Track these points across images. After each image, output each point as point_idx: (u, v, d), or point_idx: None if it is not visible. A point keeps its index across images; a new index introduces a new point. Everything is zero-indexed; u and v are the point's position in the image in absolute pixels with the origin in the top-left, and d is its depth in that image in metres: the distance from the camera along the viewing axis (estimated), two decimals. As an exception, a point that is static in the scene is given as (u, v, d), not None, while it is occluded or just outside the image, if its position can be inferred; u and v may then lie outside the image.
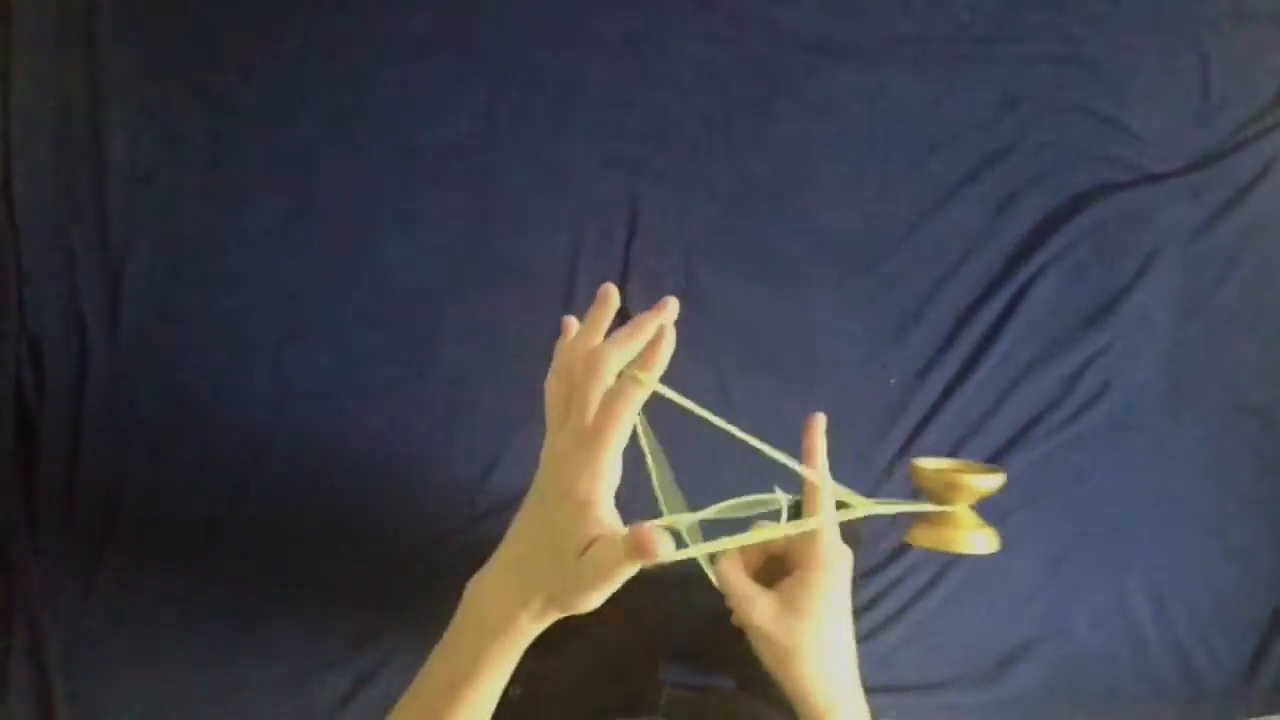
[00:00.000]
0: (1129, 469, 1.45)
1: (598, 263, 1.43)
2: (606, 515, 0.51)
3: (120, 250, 1.39)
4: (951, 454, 1.42)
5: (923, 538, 0.60)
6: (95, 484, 1.35)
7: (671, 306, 0.56)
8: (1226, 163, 1.50)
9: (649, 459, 0.59)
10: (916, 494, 0.62)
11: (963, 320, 1.45)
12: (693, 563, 0.58)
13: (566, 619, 0.55)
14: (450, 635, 0.57)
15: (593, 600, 0.52)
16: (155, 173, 1.41)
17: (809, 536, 0.59)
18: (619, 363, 0.54)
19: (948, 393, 1.43)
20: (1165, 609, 1.43)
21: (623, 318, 1.50)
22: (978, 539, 0.59)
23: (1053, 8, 1.51)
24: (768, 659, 0.59)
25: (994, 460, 1.42)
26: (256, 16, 1.43)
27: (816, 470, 0.60)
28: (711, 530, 0.58)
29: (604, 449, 0.51)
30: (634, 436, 0.55)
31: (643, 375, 0.52)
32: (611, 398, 0.52)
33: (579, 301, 1.41)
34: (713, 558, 0.60)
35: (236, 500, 1.35)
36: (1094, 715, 1.42)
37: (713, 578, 0.60)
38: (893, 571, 1.39)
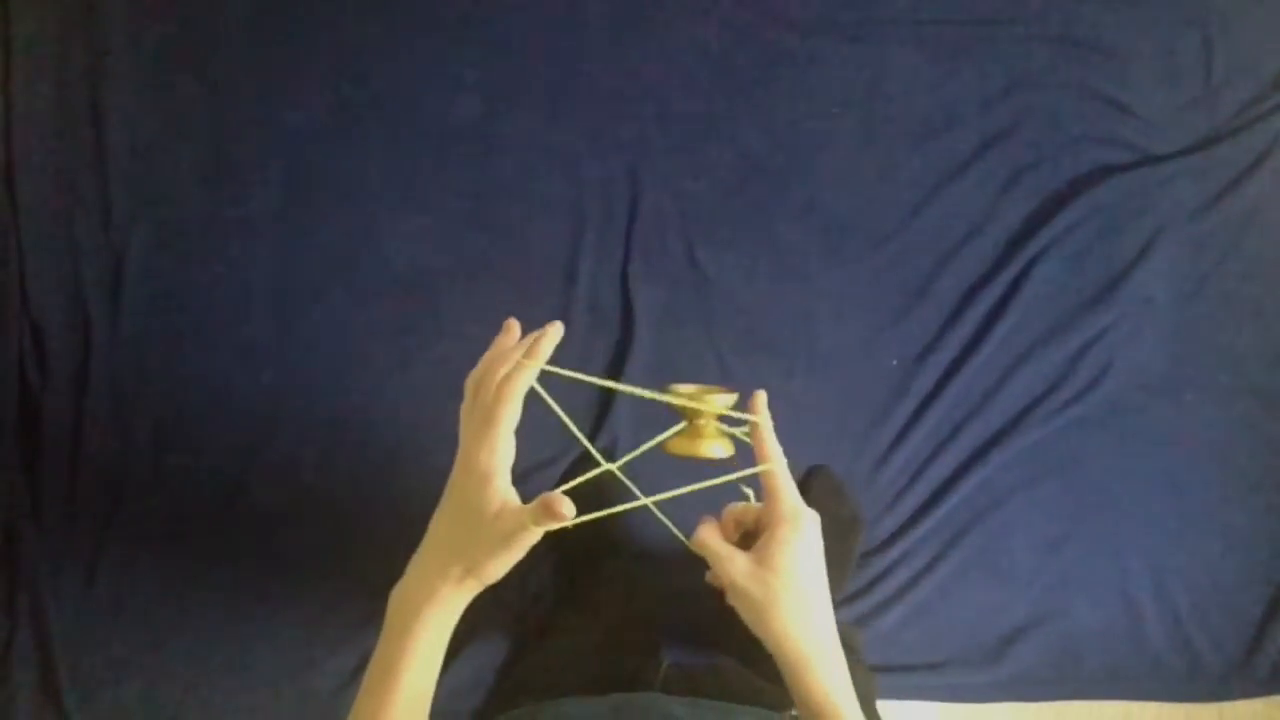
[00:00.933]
0: (1130, 451, 1.45)
1: (598, 245, 1.43)
2: (504, 486, 0.61)
3: (121, 235, 1.39)
4: (953, 436, 1.42)
5: (675, 446, 0.68)
6: (98, 470, 1.35)
7: (556, 327, 0.67)
8: (1229, 144, 1.49)
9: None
10: (674, 417, 0.69)
11: (964, 302, 1.44)
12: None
13: (568, 600, 0.59)
14: (382, 632, 0.64)
15: (504, 565, 0.61)
16: (156, 157, 1.41)
17: (770, 499, 0.66)
18: (508, 360, 0.64)
19: (949, 374, 1.43)
20: (1165, 590, 1.43)
21: (625, 305, 1.51)
22: (715, 446, 0.67)
23: (1054, -12, 1.50)
24: (746, 615, 0.64)
25: (993, 442, 1.42)
26: (255, 3, 1.43)
27: (761, 421, 0.68)
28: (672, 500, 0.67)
29: (497, 425, 0.60)
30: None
31: (525, 360, 0.62)
32: (502, 383, 0.62)
33: (580, 285, 1.41)
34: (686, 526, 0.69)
35: (239, 485, 1.36)
36: (1094, 696, 1.43)
37: (688, 543, 0.67)
38: (893, 553, 1.39)
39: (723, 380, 1.39)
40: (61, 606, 1.31)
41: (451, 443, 1.42)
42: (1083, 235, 1.46)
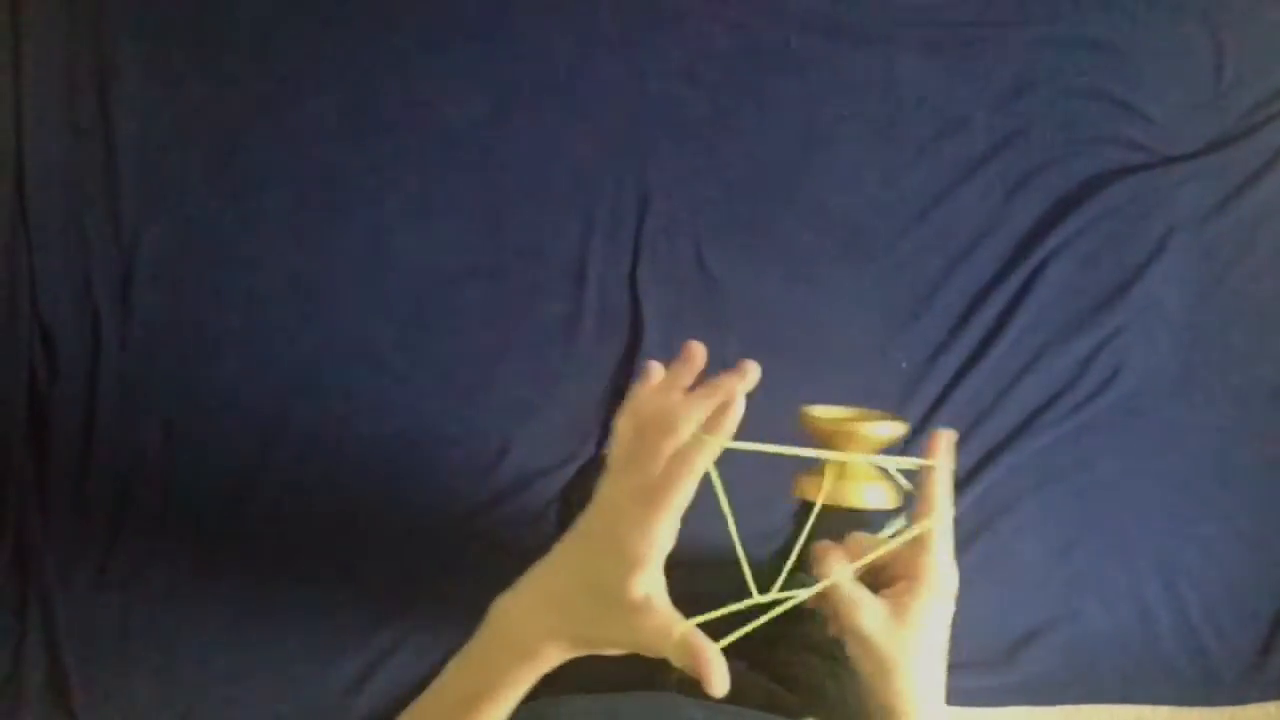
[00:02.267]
0: (1141, 453, 1.44)
1: (608, 248, 1.42)
2: (653, 580, 0.51)
3: (132, 237, 1.39)
4: (963, 439, 1.41)
5: (810, 491, 0.56)
6: (108, 470, 1.35)
7: (752, 372, 0.54)
8: (1239, 146, 1.48)
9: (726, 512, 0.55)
10: (803, 444, 0.57)
11: (974, 304, 1.44)
12: (723, 548, 0.56)
13: None
14: (473, 651, 0.56)
15: (618, 651, 0.53)
16: (166, 159, 1.41)
17: (922, 548, 0.57)
18: (690, 424, 0.53)
19: (959, 377, 1.43)
20: (1177, 593, 1.42)
21: (634, 308, 1.50)
22: (871, 493, 0.56)
23: (1065, -10, 1.50)
24: (867, 668, 0.57)
25: (1004, 444, 1.41)
26: (267, 2, 1.43)
27: (940, 466, 0.58)
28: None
29: (664, 508, 0.50)
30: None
31: (710, 438, 0.51)
32: (677, 460, 0.51)
33: (589, 288, 1.41)
34: (815, 557, 0.57)
35: (249, 486, 1.36)
36: (1106, 700, 1.42)
37: (819, 574, 0.57)
38: (904, 556, 1.39)
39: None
40: (71, 607, 1.31)
41: (464, 444, 1.41)
42: (1093, 237, 1.45)
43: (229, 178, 1.41)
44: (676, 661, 0.49)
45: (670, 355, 0.56)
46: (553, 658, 0.54)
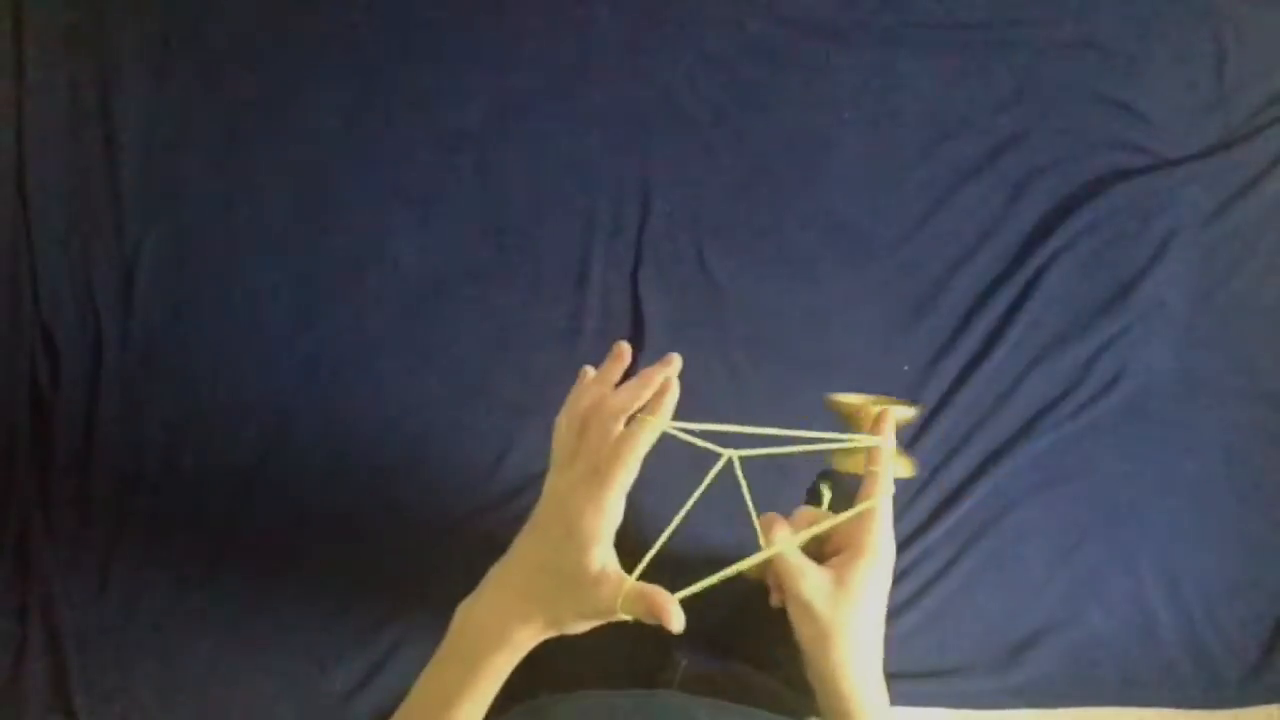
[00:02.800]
0: (1143, 456, 1.44)
1: (609, 250, 1.43)
2: (606, 552, 0.56)
3: (133, 240, 1.39)
4: (965, 442, 1.42)
5: (843, 465, 0.64)
6: (110, 474, 1.35)
7: (676, 362, 0.60)
8: (1242, 148, 1.48)
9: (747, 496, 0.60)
10: (836, 427, 0.65)
11: (976, 307, 1.44)
12: (718, 551, 0.60)
13: None
14: (443, 654, 0.60)
15: (588, 626, 0.58)
16: (167, 163, 1.41)
17: (864, 521, 0.61)
18: (627, 410, 0.58)
19: (961, 380, 1.42)
20: (1180, 596, 1.42)
21: (636, 311, 1.50)
22: (896, 465, 0.63)
23: (1066, -9, 1.50)
24: (807, 635, 0.60)
25: (1006, 447, 1.41)
26: (267, 5, 1.43)
27: (884, 452, 0.62)
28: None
29: (612, 486, 0.55)
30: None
31: (651, 419, 0.57)
32: (620, 440, 0.56)
33: (591, 290, 1.41)
34: (761, 528, 0.62)
35: (250, 489, 1.36)
36: (1108, 703, 1.42)
37: (763, 544, 0.61)
38: (905, 559, 1.38)
39: (732, 384, 1.39)
40: (73, 610, 1.31)
41: (462, 447, 1.42)
42: (1095, 240, 1.45)
43: (230, 180, 1.41)
44: (632, 613, 0.54)
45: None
46: (525, 643, 0.58)
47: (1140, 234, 1.46)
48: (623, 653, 0.93)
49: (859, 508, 0.61)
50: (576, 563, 0.55)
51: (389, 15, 1.44)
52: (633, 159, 1.44)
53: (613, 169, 1.44)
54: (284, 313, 1.40)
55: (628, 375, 0.62)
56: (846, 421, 0.64)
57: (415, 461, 1.37)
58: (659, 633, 0.85)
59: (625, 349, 0.63)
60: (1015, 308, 1.43)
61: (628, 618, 0.55)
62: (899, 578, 1.38)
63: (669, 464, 0.66)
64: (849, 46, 1.47)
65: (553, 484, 0.60)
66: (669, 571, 0.58)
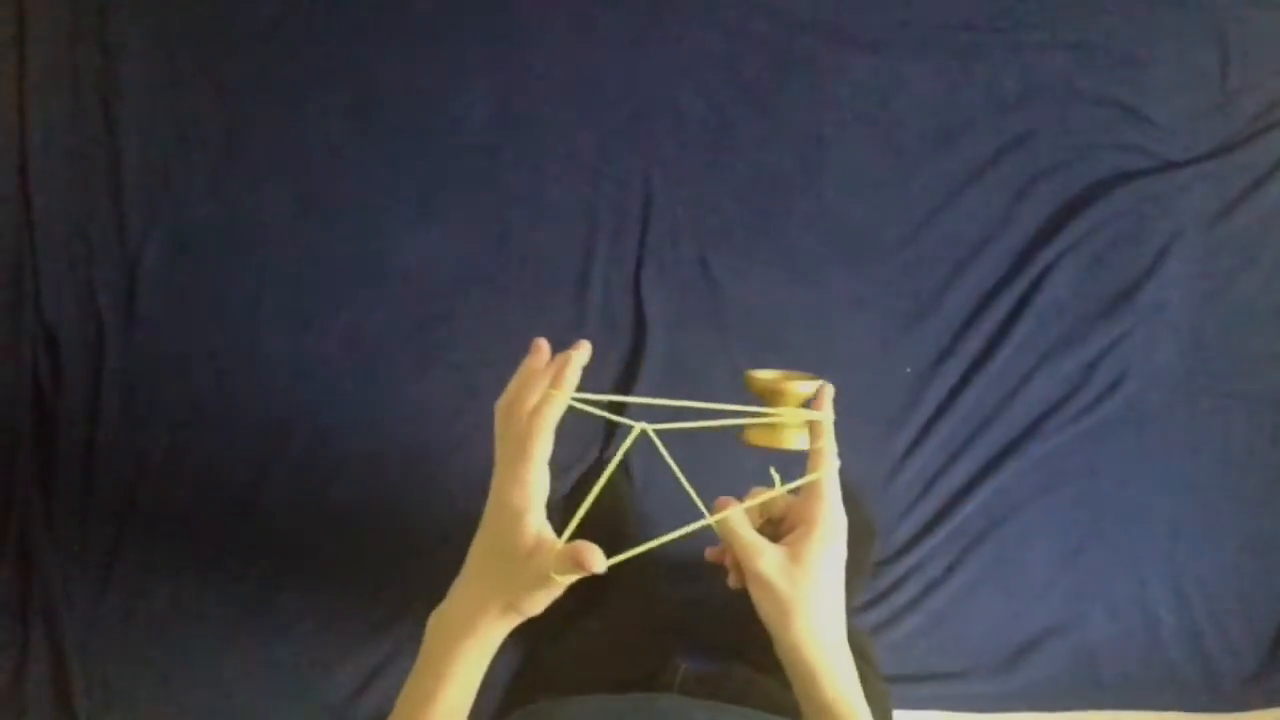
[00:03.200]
0: (1147, 458, 1.44)
1: (611, 252, 1.42)
2: (537, 522, 0.59)
3: (135, 243, 1.39)
4: (968, 444, 1.41)
5: (756, 437, 0.67)
6: (112, 475, 1.35)
7: (585, 346, 0.64)
8: (1245, 150, 1.48)
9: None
10: (751, 402, 0.67)
11: (979, 309, 1.44)
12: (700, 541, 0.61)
13: (582, 602, 0.57)
14: (420, 657, 0.63)
15: (545, 601, 0.59)
16: (169, 165, 1.41)
17: (813, 496, 0.64)
18: (541, 387, 0.62)
19: (964, 382, 1.42)
20: (1183, 599, 1.42)
21: (638, 312, 1.50)
22: (800, 437, 0.66)
23: (1070, -7, 1.50)
24: (768, 611, 0.62)
25: (1008, 450, 1.41)
26: (268, 9, 1.43)
27: (826, 426, 0.65)
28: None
29: (529, 458, 0.59)
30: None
31: (553, 392, 0.60)
32: (533, 413, 0.60)
33: (592, 290, 1.41)
34: (716, 507, 0.65)
35: (251, 492, 1.36)
36: (1110, 706, 1.42)
37: (719, 531, 0.64)
38: (907, 561, 1.38)
39: (733, 385, 1.39)
40: (75, 613, 1.31)
41: (463, 449, 1.42)
42: (1098, 242, 1.45)
43: (232, 182, 1.41)
44: (563, 571, 0.56)
45: (674, 359, 0.60)
46: (489, 630, 0.61)
47: (1143, 236, 1.46)
48: (622, 657, 0.93)
49: (803, 479, 0.64)
50: (512, 536, 0.59)
51: (389, 15, 1.44)
52: (634, 160, 1.44)
53: (615, 171, 1.44)
54: (285, 315, 1.40)
55: (629, 384, 0.63)
56: (762, 397, 0.66)
57: (417, 465, 1.36)
58: (658, 637, 0.86)
59: (542, 343, 0.66)
60: (1017, 310, 1.43)
61: (566, 581, 0.57)
62: (899, 581, 1.38)
63: (668, 463, 0.68)
64: (852, 48, 1.47)
65: (493, 479, 0.63)
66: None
